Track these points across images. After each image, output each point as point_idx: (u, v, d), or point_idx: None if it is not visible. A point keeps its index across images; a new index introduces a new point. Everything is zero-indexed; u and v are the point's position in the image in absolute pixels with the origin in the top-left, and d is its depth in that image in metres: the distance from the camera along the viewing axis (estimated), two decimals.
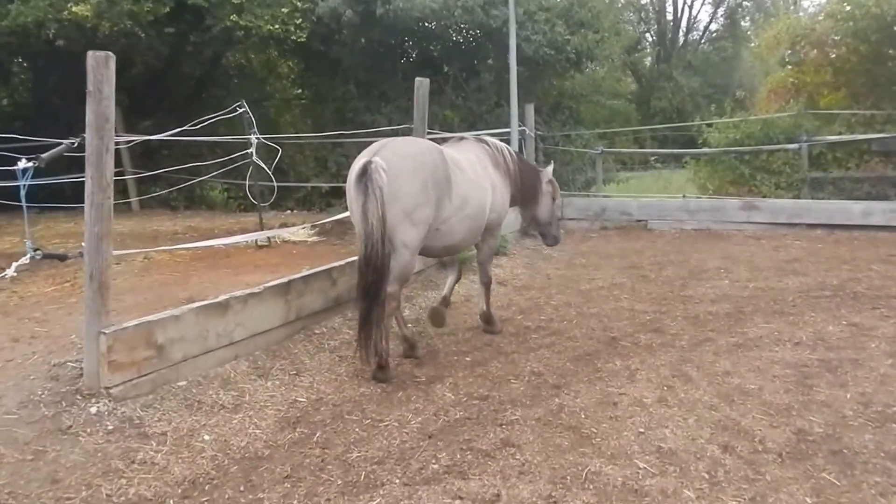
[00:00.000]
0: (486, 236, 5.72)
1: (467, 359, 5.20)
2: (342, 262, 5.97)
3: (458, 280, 6.14)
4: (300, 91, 17.86)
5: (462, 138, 6.15)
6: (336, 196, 13.57)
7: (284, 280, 5.20)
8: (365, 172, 4.48)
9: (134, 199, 15.14)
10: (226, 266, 7.30)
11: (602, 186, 13.73)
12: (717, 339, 5.58)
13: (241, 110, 8.42)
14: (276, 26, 11.93)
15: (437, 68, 13.81)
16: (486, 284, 5.91)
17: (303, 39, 12.15)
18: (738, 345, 5.41)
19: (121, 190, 14.58)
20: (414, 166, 4.65)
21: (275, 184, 8.88)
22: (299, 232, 9.47)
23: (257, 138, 8.40)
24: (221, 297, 4.61)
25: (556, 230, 6.59)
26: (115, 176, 3.94)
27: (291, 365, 4.89)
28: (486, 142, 5.92)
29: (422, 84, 7.26)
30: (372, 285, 4.52)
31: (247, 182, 8.87)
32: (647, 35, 42.85)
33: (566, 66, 13.59)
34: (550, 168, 6.49)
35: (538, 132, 13.18)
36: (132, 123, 15.70)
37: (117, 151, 15.12)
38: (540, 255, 9.67)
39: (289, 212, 13.21)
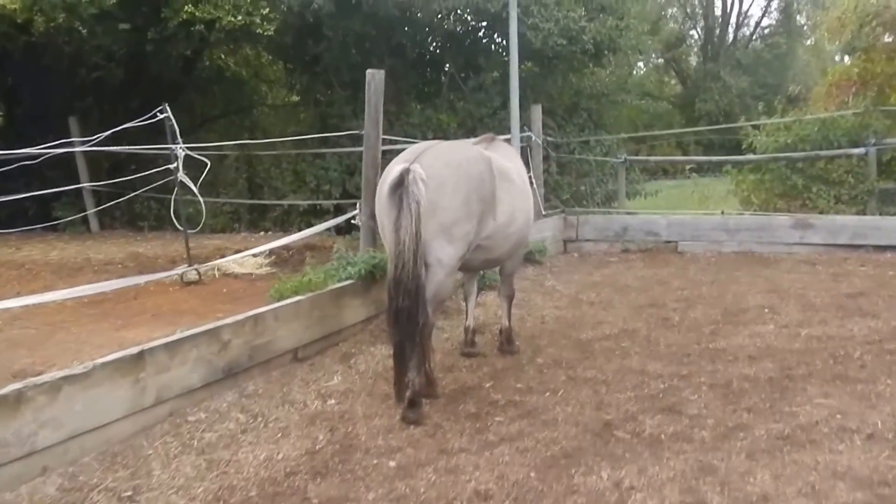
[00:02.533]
0: (522, 244, 5.50)
1: (391, 463, 3.85)
2: (241, 317, 4.70)
3: (476, 298, 5.89)
4: (294, 96, 16.71)
5: (493, 139, 5.52)
6: (317, 215, 12.41)
7: (133, 351, 3.92)
8: (401, 182, 4.14)
9: (92, 216, 14.15)
10: (120, 313, 6.14)
11: (625, 201, 12.29)
12: (753, 425, 4.17)
13: (162, 116, 7.25)
14: (239, 17, 10.79)
15: (435, 65, 12.59)
16: (510, 298, 5.74)
17: (269, 33, 10.98)
18: (783, 437, 4.00)
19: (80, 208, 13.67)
20: (458, 177, 4.37)
21: (201, 200, 7.68)
22: (246, 262, 8.25)
23: (182, 150, 7.21)
24: (13, 387, 3.34)
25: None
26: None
27: (129, 480, 3.59)
28: (495, 138, 5.63)
29: (374, 77, 6.05)
30: (404, 312, 4.17)
31: (173, 200, 7.70)
32: (693, 32, 41.46)
33: (583, 60, 12.20)
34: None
35: (549, 138, 11.84)
36: (95, 133, 14.80)
37: (71, 164, 14.30)
38: (539, 288, 8.33)
39: (242, 234, 12.06)
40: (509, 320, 5.79)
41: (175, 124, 7.29)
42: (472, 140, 5.62)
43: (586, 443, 4.02)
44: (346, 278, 5.80)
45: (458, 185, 4.34)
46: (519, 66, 9.89)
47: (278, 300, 5.26)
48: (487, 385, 5.05)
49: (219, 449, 3.96)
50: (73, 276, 8.36)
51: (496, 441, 4.08)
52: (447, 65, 12.42)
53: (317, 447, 4.03)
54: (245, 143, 11.99)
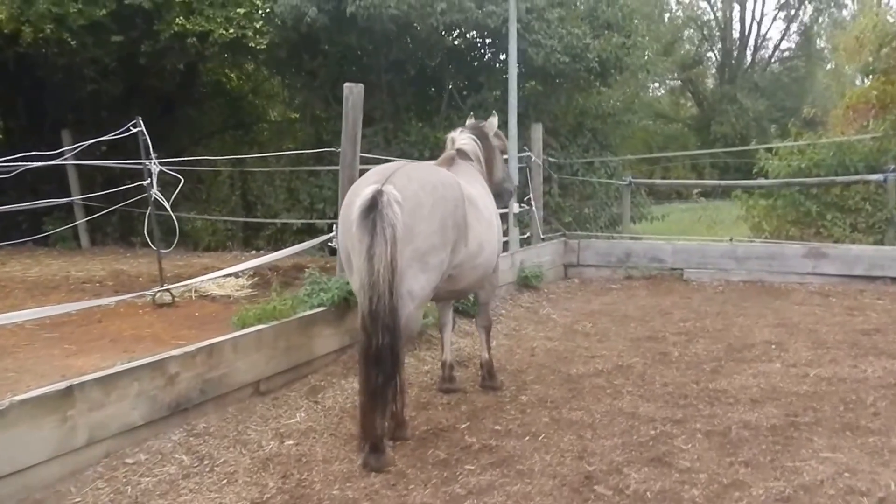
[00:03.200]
0: (490, 273, 5.08)
1: None
2: (192, 348, 4.37)
3: (452, 329, 5.53)
4: (293, 113, 16.50)
5: (453, 160, 5.11)
6: (311, 234, 12.12)
7: (60, 386, 3.59)
8: (374, 205, 3.79)
9: (83, 232, 13.95)
10: (78, 338, 5.87)
11: (630, 225, 11.91)
12: (751, 483, 3.78)
13: (135, 130, 6.99)
14: (231, 31, 10.58)
15: (435, 82, 12.32)
16: (487, 328, 5.41)
17: (262, 46, 10.77)
18: (783, 499, 3.61)
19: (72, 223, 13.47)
20: (434, 200, 4.07)
21: (173, 216, 7.40)
22: (226, 283, 7.95)
23: (157, 165, 6.92)
24: None
25: (510, 181, 6.11)
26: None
27: None
28: (466, 152, 5.28)
29: (353, 91, 5.74)
30: (386, 350, 3.80)
31: (147, 217, 7.42)
32: (711, 54, 41.23)
33: (588, 79, 11.89)
34: (493, 119, 5.71)
35: (552, 158, 11.52)
36: (91, 147, 14.62)
37: (64, 179, 14.11)
38: (534, 317, 7.98)
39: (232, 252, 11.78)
40: (489, 352, 5.44)
41: (148, 139, 7.02)
42: (434, 162, 5.31)
43: (562, 500, 3.64)
44: (318, 305, 5.47)
45: (435, 208, 4.03)
46: (521, 85, 9.64)
47: (241, 328, 4.94)
48: (463, 426, 4.68)
49: (154, 497, 3.61)
50: (46, 295, 8.11)
51: (463, 494, 3.70)
52: (448, 82, 12.13)
53: (265, 496, 3.68)
54: (235, 159, 11.73)
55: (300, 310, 5.37)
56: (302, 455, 4.16)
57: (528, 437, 4.47)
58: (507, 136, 9.78)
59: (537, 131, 10.27)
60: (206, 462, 4.01)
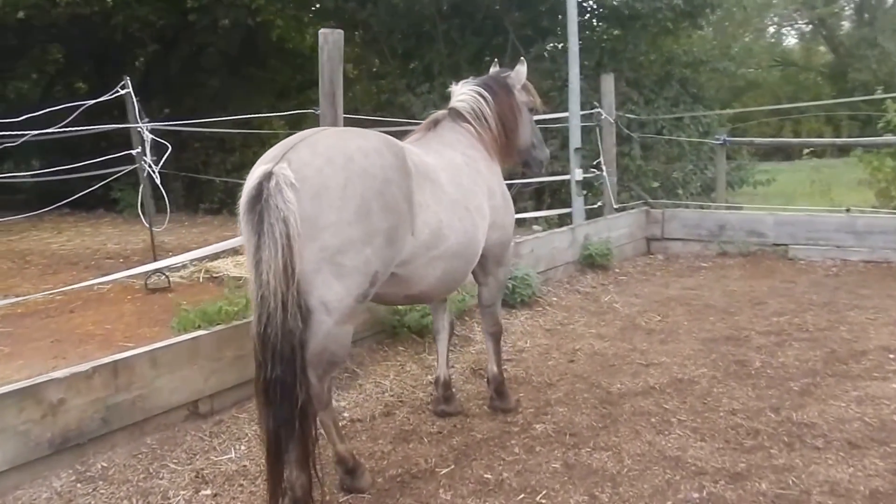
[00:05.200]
0: (490, 266, 4.14)
1: None
2: (86, 367, 3.48)
3: (450, 337, 4.41)
4: (353, 70, 15.57)
5: (436, 122, 4.16)
6: None
7: None
8: (260, 194, 2.84)
9: (148, 199, 13.69)
10: (21, 335, 5.19)
11: (729, 192, 10.27)
12: None
13: (123, 91, 6.19)
14: None
15: (498, 30, 10.98)
16: (494, 335, 4.35)
17: None
18: None
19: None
20: (348, 176, 2.98)
21: (161, 188, 6.62)
22: (243, 262, 7.12)
23: (147, 132, 6.11)
24: None
25: (541, 148, 4.69)
26: None
27: None
28: (462, 114, 4.15)
29: (328, 39, 4.67)
30: (276, 385, 2.85)
31: (140, 192, 6.67)
32: None
33: (673, 19, 10.22)
34: (521, 68, 4.47)
35: (633, 115, 10.04)
36: (151, 111, 14.32)
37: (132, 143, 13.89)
38: (591, 306, 6.77)
39: None
40: (498, 365, 4.34)
41: (136, 101, 6.20)
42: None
43: None
44: None
45: (349, 189, 2.96)
46: (592, 28, 8.23)
47: (181, 333, 4.05)
48: (444, 471, 3.61)
49: None
50: (58, 273, 7.68)
51: None
52: (510, 30, 10.76)
53: None
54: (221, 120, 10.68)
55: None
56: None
57: (521, 496, 3.34)
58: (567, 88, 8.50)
59: (608, 83, 8.85)
60: None
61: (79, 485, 3.34)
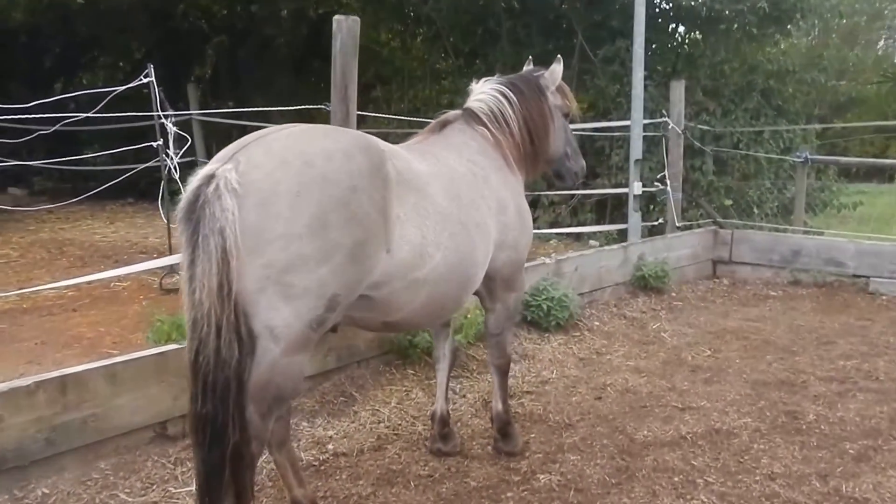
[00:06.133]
0: (498, 290, 3.72)
1: None
2: (28, 382, 3.23)
3: (451, 367, 4.06)
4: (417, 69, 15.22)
5: (445, 124, 3.76)
6: None
7: None
8: (197, 198, 2.49)
9: None
10: (12, 334, 5.00)
11: (808, 215, 9.48)
12: None
13: (146, 80, 6.04)
14: None
15: (565, 30, 10.48)
16: (500, 368, 3.93)
17: None
18: None
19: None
20: (303, 182, 2.57)
21: (179, 183, 6.44)
22: None
23: (171, 121, 5.94)
24: None
25: (575, 158, 4.26)
26: None
27: None
28: (478, 115, 3.75)
29: (343, 24, 4.35)
30: (205, 422, 2.50)
31: (162, 184, 6.52)
32: None
33: (758, 26, 9.48)
34: (556, 67, 4.03)
35: (706, 126, 9.38)
36: (216, 103, 14.44)
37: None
38: (635, 333, 6.27)
39: None
40: (503, 403, 3.92)
41: (158, 91, 6.04)
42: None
43: None
44: None
45: (303, 197, 2.56)
46: (665, 30, 7.68)
47: (156, 344, 3.80)
48: None
49: None
50: (85, 266, 7.66)
51: None
52: (578, 29, 10.22)
53: None
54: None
55: None
56: None
57: None
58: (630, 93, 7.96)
59: (678, 90, 8.25)
60: None
61: None
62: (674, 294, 7.59)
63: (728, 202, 10.07)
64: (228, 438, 2.51)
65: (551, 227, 9.82)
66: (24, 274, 7.16)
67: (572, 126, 4.39)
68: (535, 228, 10.24)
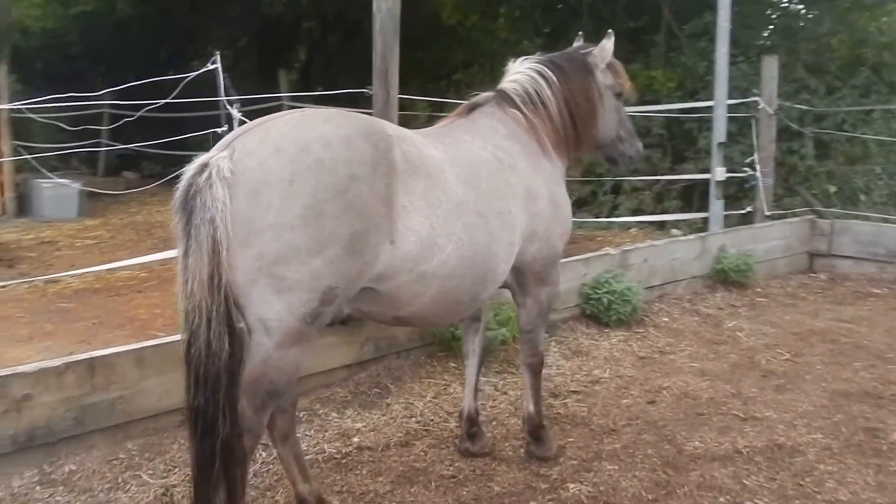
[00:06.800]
0: (530, 285, 3.51)
1: None
2: (59, 363, 3.32)
3: (482, 364, 3.84)
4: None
5: (474, 107, 3.54)
6: None
7: None
8: (190, 188, 2.48)
9: None
10: (61, 315, 5.22)
11: None
12: None
13: (212, 66, 6.05)
14: None
15: (654, 6, 9.93)
16: (532, 367, 3.68)
17: None
18: None
19: None
20: (296, 171, 2.50)
21: None
22: None
23: (238, 110, 5.94)
24: None
25: (631, 142, 3.96)
26: None
27: None
28: (511, 97, 3.49)
29: (383, 4, 4.24)
30: (198, 415, 2.49)
31: None
32: None
33: None
34: (607, 43, 3.77)
35: (806, 106, 8.70)
36: (305, 89, 14.60)
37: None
38: (707, 332, 5.88)
39: None
40: (535, 405, 3.69)
41: (224, 79, 6.04)
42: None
43: None
44: None
45: (297, 186, 2.47)
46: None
47: None
48: None
49: None
50: (167, 247, 7.86)
51: None
52: (665, 3, 9.66)
53: None
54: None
55: None
56: None
57: None
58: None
59: (770, 67, 7.64)
60: None
61: (38, 487, 3.17)
62: (759, 289, 7.07)
63: (832, 189, 9.32)
64: (218, 431, 2.47)
65: (633, 214, 9.38)
66: (110, 255, 7.43)
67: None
68: (615, 216, 9.76)
